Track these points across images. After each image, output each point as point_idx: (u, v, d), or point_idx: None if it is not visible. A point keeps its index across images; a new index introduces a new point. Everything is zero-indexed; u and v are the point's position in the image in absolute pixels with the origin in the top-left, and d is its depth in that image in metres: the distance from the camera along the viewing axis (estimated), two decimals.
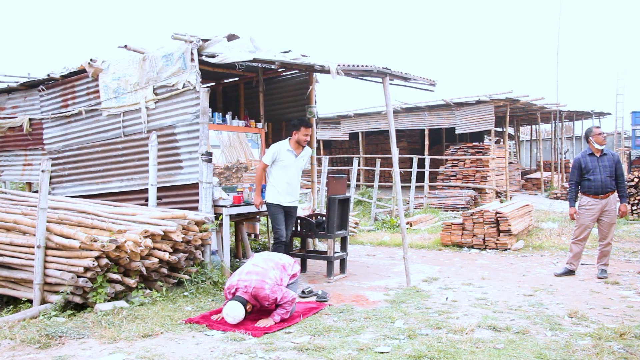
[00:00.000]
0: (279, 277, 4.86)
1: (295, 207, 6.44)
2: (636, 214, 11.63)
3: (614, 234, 9.32)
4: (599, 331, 4.26)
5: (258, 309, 4.77)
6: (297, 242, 8.19)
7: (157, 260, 5.36)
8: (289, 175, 6.24)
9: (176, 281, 5.68)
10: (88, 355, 3.82)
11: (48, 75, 7.80)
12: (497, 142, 17.85)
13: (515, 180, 19.47)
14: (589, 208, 6.50)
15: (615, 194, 6.50)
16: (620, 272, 6.74)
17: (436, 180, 16.66)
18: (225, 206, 6.41)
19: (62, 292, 4.84)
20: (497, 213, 8.71)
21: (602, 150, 6.50)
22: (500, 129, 18.80)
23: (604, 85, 62.44)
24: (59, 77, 7.73)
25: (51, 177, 7.72)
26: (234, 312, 4.51)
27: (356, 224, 11.13)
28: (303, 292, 5.69)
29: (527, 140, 28.85)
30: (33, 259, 5.05)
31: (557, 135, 21.88)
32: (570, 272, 6.65)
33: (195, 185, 6.34)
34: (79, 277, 4.84)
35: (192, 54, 6.17)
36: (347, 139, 20.49)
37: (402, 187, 7.64)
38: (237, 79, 8.61)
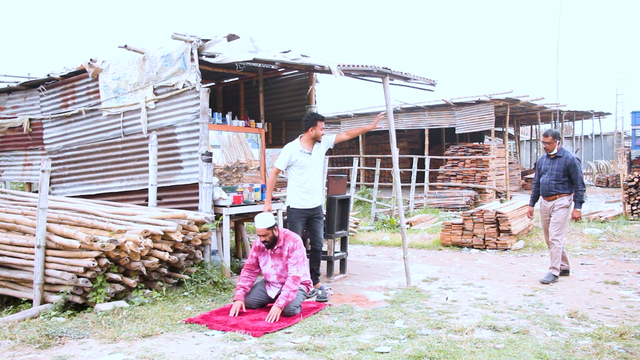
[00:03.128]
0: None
1: (320, 207, 6.06)
2: (636, 214, 11.63)
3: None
4: (599, 331, 4.26)
5: (277, 252, 5.12)
6: None
7: (157, 260, 5.36)
8: (307, 177, 5.87)
9: (176, 281, 5.68)
10: (88, 355, 3.82)
11: (48, 75, 7.80)
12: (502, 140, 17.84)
13: (515, 180, 19.48)
14: (541, 209, 6.59)
15: (564, 197, 6.32)
16: (620, 272, 6.74)
17: (436, 180, 16.66)
18: (225, 206, 6.40)
19: (62, 292, 4.84)
20: (497, 213, 8.71)
21: (556, 153, 6.38)
22: (500, 129, 18.80)
23: (604, 85, 62.53)
24: (59, 77, 7.73)
25: (51, 177, 7.72)
26: (265, 217, 5.01)
27: (356, 224, 11.13)
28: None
29: (527, 140, 28.86)
30: (33, 259, 5.05)
31: None
32: (564, 273, 6.53)
33: (195, 185, 6.34)
34: (79, 277, 4.84)
35: (192, 54, 6.17)
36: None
37: (402, 187, 7.64)
38: (237, 79, 8.61)
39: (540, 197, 6.57)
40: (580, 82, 57.14)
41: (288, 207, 5.94)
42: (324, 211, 6.49)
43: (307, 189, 5.89)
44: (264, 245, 5.14)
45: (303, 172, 5.87)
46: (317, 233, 6.04)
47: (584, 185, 6.30)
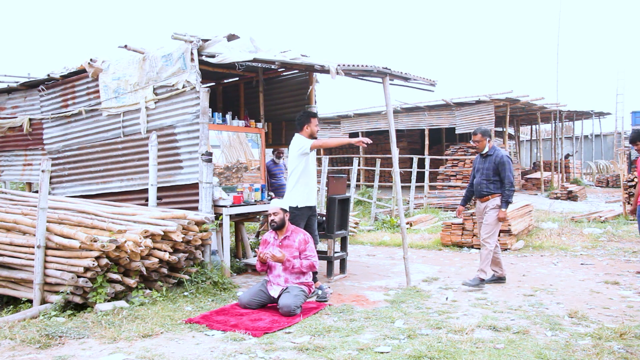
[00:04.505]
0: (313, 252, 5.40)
1: (315, 205, 6.10)
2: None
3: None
4: (599, 331, 4.26)
5: (284, 242, 5.26)
6: None
7: (157, 260, 5.36)
8: (313, 172, 5.98)
9: (176, 281, 5.68)
10: (88, 355, 3.82)
11: (48, 75, 7.80)
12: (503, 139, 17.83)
13: (515, 180, 19.46)
14: (476, 210, 6.37)
15: (496, 198, 6.06)
16: (620, 272, 6.74)
17: (436, 180, 16.65)
18: (225, 206, 6.40)
19: (62, 292, 4.84)
20: None
21: (487, 151, 6.15)
22: (500, 129, 18.80)
23: (604, 85, 62.52)
24: (59, 77, 7.73)
25: (51, 177, 7.72)
26: (280, 200, 5.40)
27: (356, 224, 11.13)
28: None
29: (527, 140, 28.87)
30: (33, 259, 5.05)
31: (557, 135, 21.88)
32: (499, 280, 6.20)
33: (195, 185, 6.34)
34: (79, 277, 4.84)
35: (192, 54, 6.17)
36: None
37: (402, 187, 7.64)
38: (237, 79, 8.61)
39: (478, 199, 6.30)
40: (580, 82, 57.16)
41: (296, 207, 5.79)
42: (320, 211, 6.52)
43: (312, 186, 5.96)
44: (271, 228, 5.36)
45: (309, 168, 5.93)
46: (315, 231, 6.08)
47: (513, 186, 6.05)
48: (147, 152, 6.57)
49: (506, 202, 6.03)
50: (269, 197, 7.33)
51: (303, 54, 6.50)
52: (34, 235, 5.15)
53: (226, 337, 4.20)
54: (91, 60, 7.12)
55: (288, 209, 5.42)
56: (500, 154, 6.10)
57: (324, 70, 6.11)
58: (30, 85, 8.31)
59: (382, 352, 3.83)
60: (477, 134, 6.21)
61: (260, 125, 8.00)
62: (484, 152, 6.20)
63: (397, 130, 17.54)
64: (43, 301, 4.97)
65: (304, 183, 5.88)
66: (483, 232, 6.14)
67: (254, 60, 6.08)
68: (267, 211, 6.95)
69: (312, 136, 5.94)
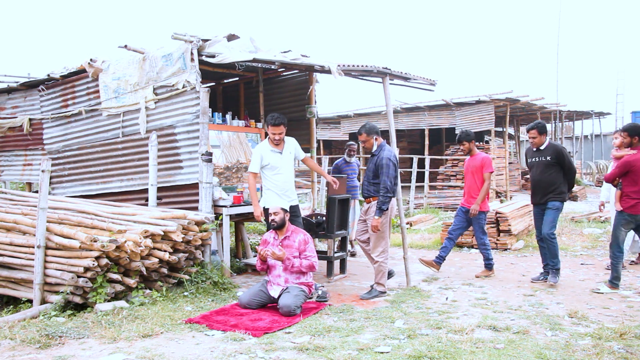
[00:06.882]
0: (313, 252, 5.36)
1: (297, 206, 6.06)
2: None
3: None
4: (599, 331, 4.26)
5: (285, 243, 5.24)
6: None
7: (157, 260, 5.36)
8: (282, 175, 5.87)
9: (176, 281, 5.68)
10: (88, 355, 3.82)
11: (48, 75, 7.80)
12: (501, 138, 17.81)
13: (515, 180, 19.47)
14: (363, 208, 5.87)
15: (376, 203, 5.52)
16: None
17: (436, 180, 16.65)
18: (225, 206, 6.40)
19: (62, 292, 4.84)
20: (497, 213, 8.71)
21: (373, 151, 5.68)
22: (500, 129, 18.81)
23: (604, 85, 62.49)
24: (59, 77, 7.73)
25: (51, 177, 7.72)
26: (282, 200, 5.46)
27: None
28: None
29: (527, 140, 28.83)
30: (33, 259, 5.05)
31: (557, 135, 21.87)
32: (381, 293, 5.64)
33: (195, 185, 6.34)
34: (79, 277, 4.84)
35: (192, 54, 6.17)
36: (347, 139, 20.50)
37: (402, 187, 7.64)
38: (237, 79, 8.62)
39: None
40: (580, 82, 57.13)
41: (265, 208, 5.78)
42: (320, 211, 6.48)
43: (284, 188, 5.87)
44: (272, 227, 5.33)
45: (277, 171, 5.85)
46: None
47: (389, 192, 5.45)
48: (147, 152, 6.57)
49: (379, 210, 5.41)
50: None
51: (303, 54, 6.51)
52: (34, 235, 5.15)
53: (226, 337, 4.20)
54: (91, 60, 7.13)
55: (287, 210, 5.40)
56: (383, 155, 5.52)
57: (324, 71, 6.11)
58: (30, 85, 8.31)
59: (382, 352, 3.83)
60: (361, 133, 5.62)
61: (260, 125, 8.00)
62: (372, 151, 5.69)
63: (397, 130, 17.55)
64: (43, 301, 4.97)
65: (274, 186, 5.83)
66: (372, 245, 5.65)
67: (254, 60, 6.07)
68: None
69: (273, 141, 5.81)
